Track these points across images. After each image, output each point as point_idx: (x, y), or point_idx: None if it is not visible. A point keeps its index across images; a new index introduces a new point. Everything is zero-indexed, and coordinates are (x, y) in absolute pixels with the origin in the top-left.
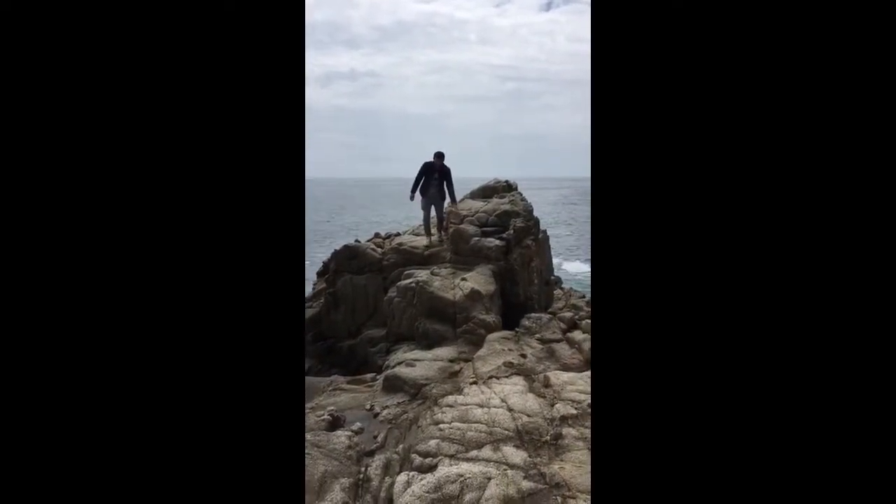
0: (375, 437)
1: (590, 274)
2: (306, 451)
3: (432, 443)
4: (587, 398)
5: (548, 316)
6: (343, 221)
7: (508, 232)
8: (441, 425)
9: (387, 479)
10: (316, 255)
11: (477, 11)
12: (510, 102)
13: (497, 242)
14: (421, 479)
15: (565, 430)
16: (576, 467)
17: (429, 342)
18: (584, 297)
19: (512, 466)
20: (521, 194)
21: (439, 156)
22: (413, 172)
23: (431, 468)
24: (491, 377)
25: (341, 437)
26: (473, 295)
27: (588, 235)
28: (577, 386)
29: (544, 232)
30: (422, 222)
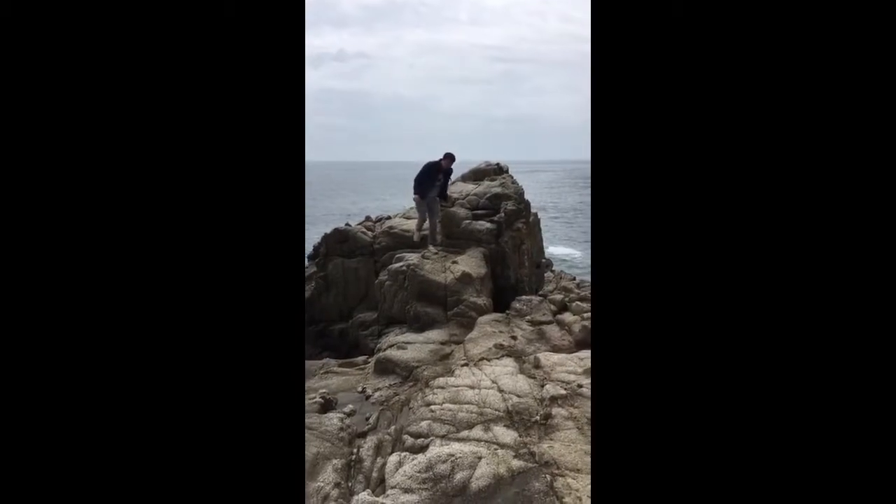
0: (367, 419)
1: (574, 256)
2: None
3: (424, 424)
4: (577, 379)
5: (538, 298)
6: (332, 205)
7: (499, 215)
8: (432, 406)
9: (378, 459)
10: (307, 239)
11: None
12: (501, 84)
13: (488, 225)
14: (412, 459)
15: (555, 411)
16: (565, 446)
17: (420, 325)
18: (574, 279)
19: (502, 446)
20: (512, 177)
21: (449, 158)
22: (405, 156)
23: (423, 448)
24: (482, 359)
25: (333, 419)
26: (464, 278)
27: (574, 219)
28: (566, 367)
29: (535, 215)
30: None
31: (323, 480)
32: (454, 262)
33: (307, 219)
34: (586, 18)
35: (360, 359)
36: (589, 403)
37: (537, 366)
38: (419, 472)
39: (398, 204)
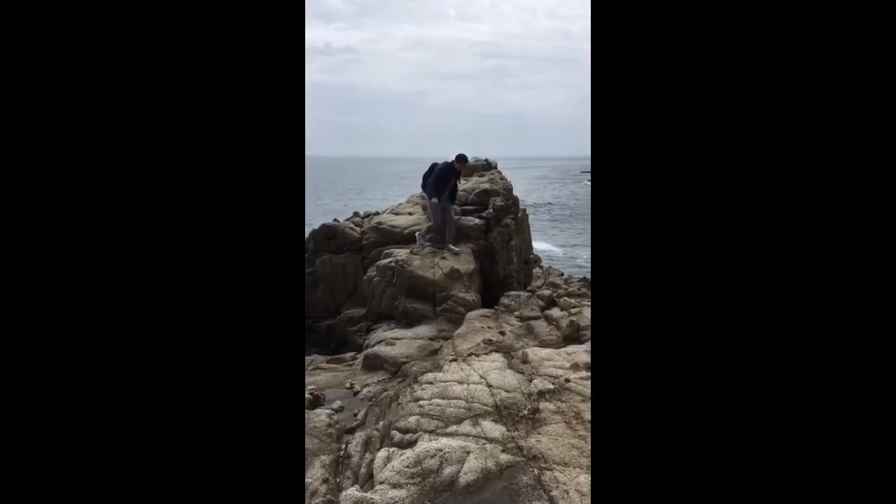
0: (355, 415)
1: (556, 252)
2: None
3: (412, 419)
4: (564, 373)
5: (526, 294)
6: (319, 203)
7: (488, 211)
8: (421, 402)
9: (367, 455)
10: None
11: None
12: (489, 80)
13: (477, 221)
14: (401, 455)
15: (542, 405)
16: (552, 440)
17: (408, 321)
18: (562, 274)
19: (490, 440)
20: (500, 173)
21: (462, 159)
22: (393, 151)
23: (411, 444)
24: (470, 354)
25: (321, 415)
26: (453, 273)
27: (561, 216)
28: (554, 362)
29: (524, 211)
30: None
31: (311, 476)
32: (443, 258)
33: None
34: (575, 14)
35: (349, 355)
36: (576, 398)
37: (525, 361)
38: (407, 467)
39: (388, 203)
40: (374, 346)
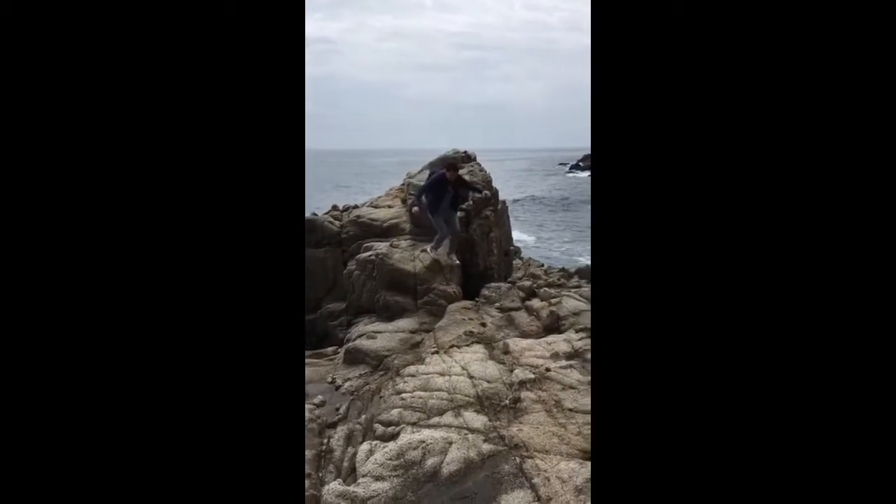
0: (337, 410)
1: (527, 241)
2: None
3: (394, 412)
4: (545, 363)
5: (507, 285)
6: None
7: (468, 203)
8: (403, 395)
9: (349, 449)
10: None
11: None
12: (468, 71)
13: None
14: (383, 448)
15: (524, 394)
16: (533, 429)
17: (390, 314)
18: (542, 265)
19: (472, 431)
20: (479, 165)
21: (451, 167)
22: (370, 143)
23: (394, 436)
24: (452, 346)
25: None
26: (433, 266)
27: (541, 207)
28: (535, 352)
29: (503, 203)
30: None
31: None
32: (423, 251)
33: None
34: (553, 6)
35: (330, 349)
36: (556, 387)
37: (507, 351)
38: (390, 459)
39: (366, 197)
40: (355, 339)
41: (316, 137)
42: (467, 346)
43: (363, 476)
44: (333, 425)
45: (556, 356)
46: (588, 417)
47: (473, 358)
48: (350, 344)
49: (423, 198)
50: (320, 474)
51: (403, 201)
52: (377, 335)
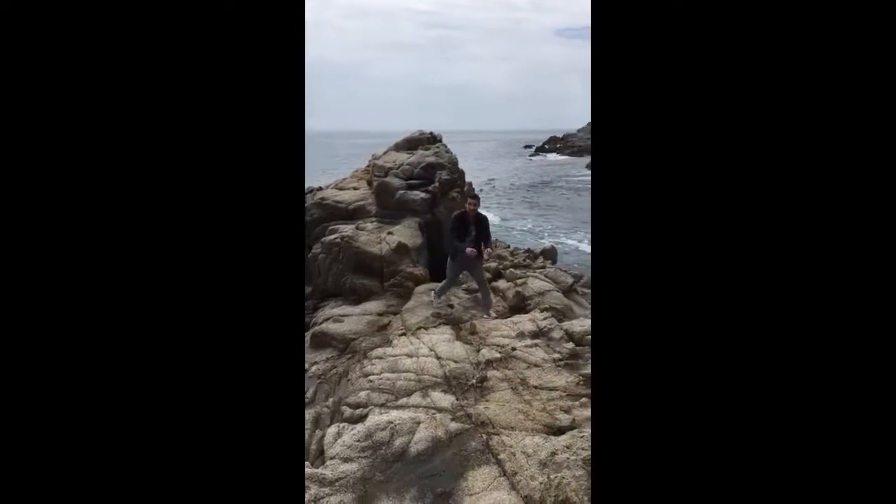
0: (304, 393)
1: (497, 222)
2: None
3: (362, 394)
4: (510, 342)
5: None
6: None
7: (434, 185)
8: (371, 377)
9: (317, 432)
10: None
11: None
12: (434, 51)
13: (422, 195)
14: (351, 430)
15: (490, 373)
16: (499, 406)
17: (356, 297)
18: (508, 247)
19: (440, 410)
20: (445, 146)
21: (473, 200)
22: (335, 125)
23: (362, 418)
24: (419, 328)
25: None
26: (400, 248)
27: (506, 189)
28: (501, 332)
29: (470, 184)
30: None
31: None
32: (389, 233)
33: None
34: None
35: None
36: (522, 365)
37: (473, 332)
38: (358, 441)
39: (330, 179)
40: (321, 323)
41: None
42: (434, 327)
43: (331, 458)
44: None
45: (521, 335)
46: (552, 393)
47: (441, 339)
48: (316, 328)
49: (450, 242)
50: None
51: (369, 183)
52: (344, 318)
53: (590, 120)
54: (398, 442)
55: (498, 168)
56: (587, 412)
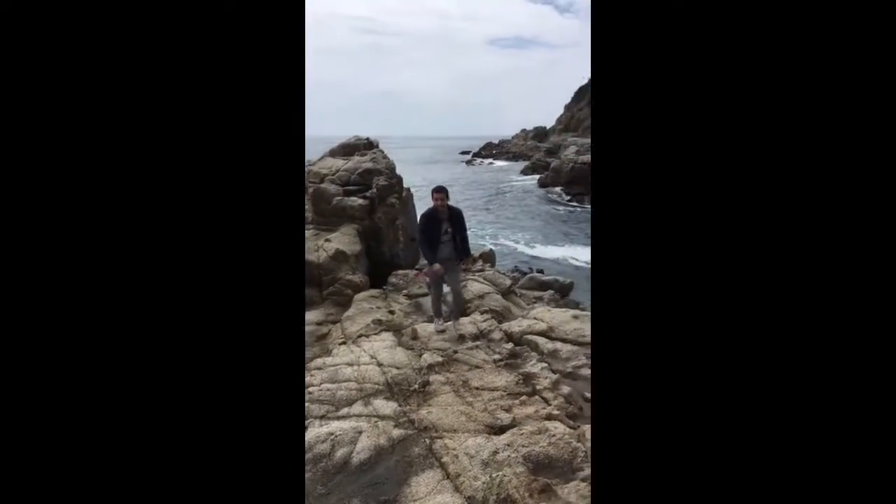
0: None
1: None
2: None
3: None
4: (452, 345)
5: (414, 272)
6: None
7: (371, 191)
8: (310, 388)
9: None
10: None
11: None
12: (368, 57)
13: (360, 201)
14: None
15: (433, 378)
16: (442, 409)
17: None
18: None
19: (382, 417)
20: (382, 152)
21: (440, 194)
22: None
23: None
24: (360, 336)
25: None
26: (338, 255)
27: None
28: (442, 335)
29: (408, 190)
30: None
31: None
32: (326, 240)
33: None
34: None
35: None
36: (464, 367)
37: (415, 337)
38: None
39: None
40: None
41: None
42: (376, 334)
43: None
44: None
45: (462, 338)
46: (493, 394)
47: (382, 346)
48: None
49: (424, 247)
50: None
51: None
52: None
53: (523, 127)
54: (340, 453)
55: (437, 174)
56: (527, 410)
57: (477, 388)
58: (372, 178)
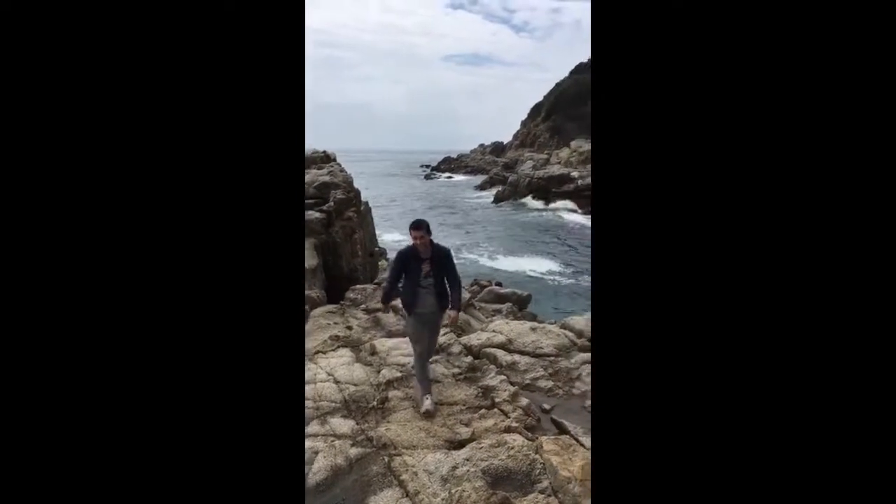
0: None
1: (403, 242)
2: None
3: None
4: (410, 360)
5: (372, 286)
6: None
7: (329, 204)
8: None
9: None
10: None
11: None
12: (325, 70)
13: (317, 215)
14: None
15: (391, 394)
16: (401, 426)
17: None
18: None
19: (339, 436)
20: (339, 165)
21: (418, 231)
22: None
23: None
24: (317, 352)
25: None
26: None
27: (411, 209)
28: (401, 350)
29: (366, 203)
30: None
31: None
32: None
33: None
34: (408, 10)
35: None
36: None
37: (373, 352)
38: None
39: None
40: None
41: None
42: (333, 350)
43: None
44: None
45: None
46: (453, 408)
47: (339, 362)
48: None
49: (392, 290)
50: None
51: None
52: None
53: (481, 142)
54: None
55: (396, 188)
56: (486, 423)
57: (437, 403)
58: (329, 192)
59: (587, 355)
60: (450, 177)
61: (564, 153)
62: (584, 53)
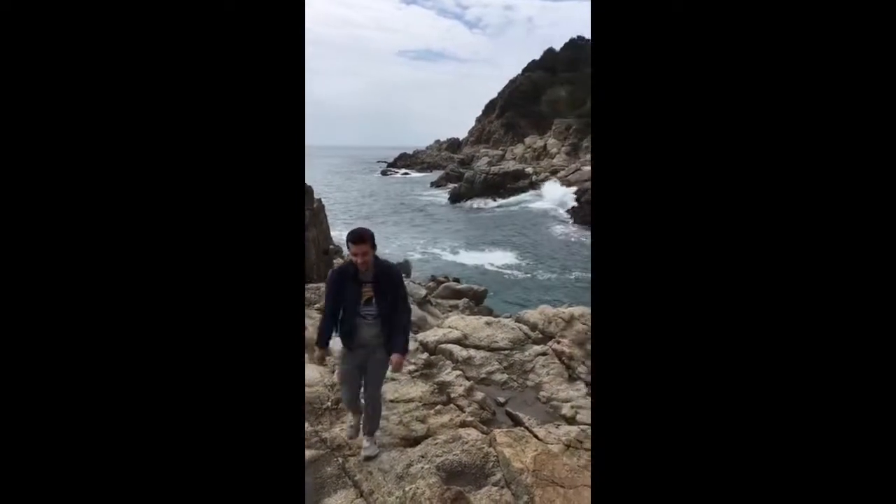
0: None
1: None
2: None
3: None
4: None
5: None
6: None
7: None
8: None
9: None
10: None
11: None
12: None
13: None
14: None
15: None
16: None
17: None
18: None
19: None
20: None
21: (359, 246)
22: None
23: None
24: None
25: None
26: None
27: (361, 204)
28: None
29: (319, 201)
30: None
31: None
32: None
33: None
34: (361, 4)
35: None
36: None
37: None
38: None
39: None
40: None
41: None
42: None
43: None
44: None
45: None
46: (409, 405)
47: None
48: None
49: (330, 327)
50: None
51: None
52: None
53: (436, 138)
54: None
55: (351, 185)
56: (441, 419)
57: (392, 401)
58: None
59: (540, 347)
60: (406, 173)
61: (519, 149)
62: (536, 51)
